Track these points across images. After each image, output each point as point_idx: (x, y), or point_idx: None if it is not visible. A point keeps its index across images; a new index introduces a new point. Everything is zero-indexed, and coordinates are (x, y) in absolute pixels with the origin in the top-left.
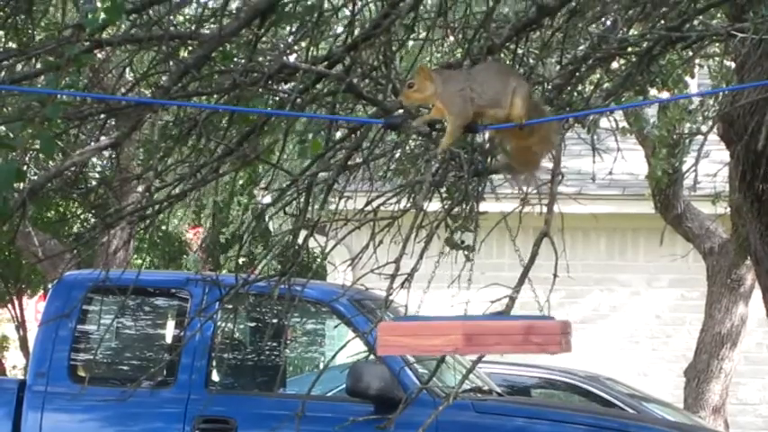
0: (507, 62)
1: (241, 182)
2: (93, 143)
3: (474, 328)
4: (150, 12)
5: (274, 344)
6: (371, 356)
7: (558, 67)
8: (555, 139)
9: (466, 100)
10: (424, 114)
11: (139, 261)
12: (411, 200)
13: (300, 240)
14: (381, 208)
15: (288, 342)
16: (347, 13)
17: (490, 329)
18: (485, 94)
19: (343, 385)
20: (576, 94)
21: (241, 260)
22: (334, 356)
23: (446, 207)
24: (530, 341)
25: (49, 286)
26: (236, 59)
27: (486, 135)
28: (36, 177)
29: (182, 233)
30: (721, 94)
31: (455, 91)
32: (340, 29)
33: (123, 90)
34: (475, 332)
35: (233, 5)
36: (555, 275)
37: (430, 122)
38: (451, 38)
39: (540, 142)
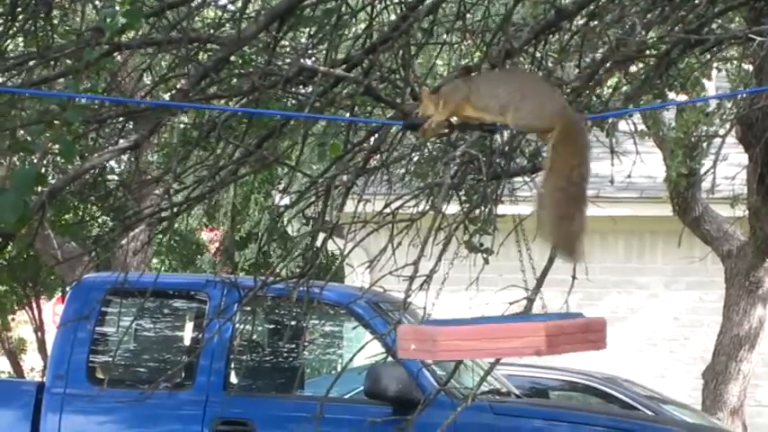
0: (526, 66)
1: (257, 183)
2: (111, 146)
3: (554, 329)
4: (169, 15)
5: (292, 346)
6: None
7: (577, 70)
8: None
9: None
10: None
11: (157, 263)
12: (430, 202)
13: (319, 243)
14: (400, 210)
15: (306, 344)
16: (365, 16)
17: (565, 329)
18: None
19: (362, 387)
20: (594, 97)
21: (257, 261)
22: (352, 358)
23: (465, 210)
24: (587, 339)
25: (68, 289)
26: (254, 63)
27: (506, 137)
28: (55, 180)
29: (199, 235)
30: (740, 97)
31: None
32: (359, 32)
33: (142, 93)
34: (554, 333)
35: (252, 8)
36: (573, 278)
37: (449, 124)
38: (470, 41)
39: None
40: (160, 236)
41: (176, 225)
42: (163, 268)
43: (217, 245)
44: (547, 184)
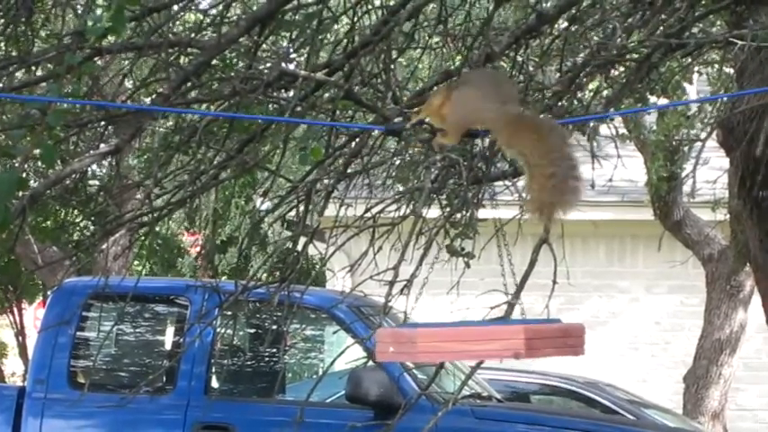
0: (505, 70)
1: (238, 187)
2: (92, 151)
3: (533, 333)
4: (150, 20)
5: (273, 350)
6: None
7: (558, 74)
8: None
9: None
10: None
11: (139, 268)
12: (410, 206)
13: (300, 247)
14: (381, 215)
15: (287, 348)
16: (347, 20)
17: (544, 333)
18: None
19: (343, 391)
20: (575, 101)
21: (237, 265)
22: (333, 362)
23: (445, 214)
24: (566, 344)
25: (49, 293)
26: (235, 67)
27: (487, 141)
28: (36, 185)
29: (180, 240)
30: (720, 100)
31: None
32: (340, 36)
33: (123, 97)
34: (533, 336)
35: (233, 13)
36: (554, 282)
37: (431, 128)
38: (451, 45)
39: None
40: (141, 240)
41: (158, 229)
42: (144, 272)
43: (198, 249)
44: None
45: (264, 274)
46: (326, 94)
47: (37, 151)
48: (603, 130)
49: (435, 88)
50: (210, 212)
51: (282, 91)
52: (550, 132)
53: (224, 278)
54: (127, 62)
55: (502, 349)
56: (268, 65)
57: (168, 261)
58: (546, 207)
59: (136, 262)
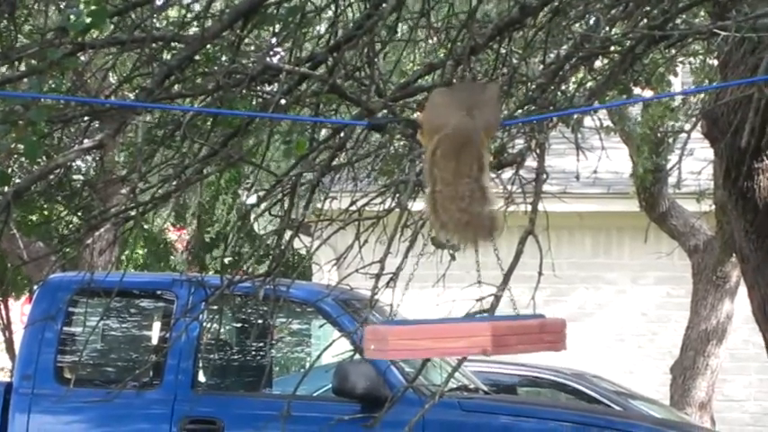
0: (488, 64)
1: (223, 181)
2: (77, 146)
3: (501, 329)
4: (133, 14)
5: (260, 344)
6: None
7: (542, 66)
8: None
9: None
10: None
11: (127, 260)
12: (396, 200)
13: (285, 241)
14: (366, 208)
15: (274, 342)
16: (330, 14)
17: (515, 329)
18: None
19: (330, 385)
20: (559, 93)
21: (227, 260)
22: (319, 356)
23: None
24: (543, 340)
25: (35, 288)
26: (219, 61)
27: None
28: (20, 180)
29: (166, 234)
30: (705, 92)
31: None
32: (323, 30)
33: (107, 93)
34: (502, 333)
35: (216, 7)
36: (540, 274)
37: (413, 125)
38: (434, 38)
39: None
40: (127, 235)
41: (144, 223)
42: (130, 267)
43: (184, 244)
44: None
45: (251, 268)
46: (310, 88)
47: (20, 147)
48: (588, 121)
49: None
50: (196, 208)
51: (266, 85)
52: (475, 160)
53: (210, 272)
54: (110, 57)
55: (470, 347)
56: (252, 59)
57: (155, 256)
58: (450, 230)
59: (123, 257)
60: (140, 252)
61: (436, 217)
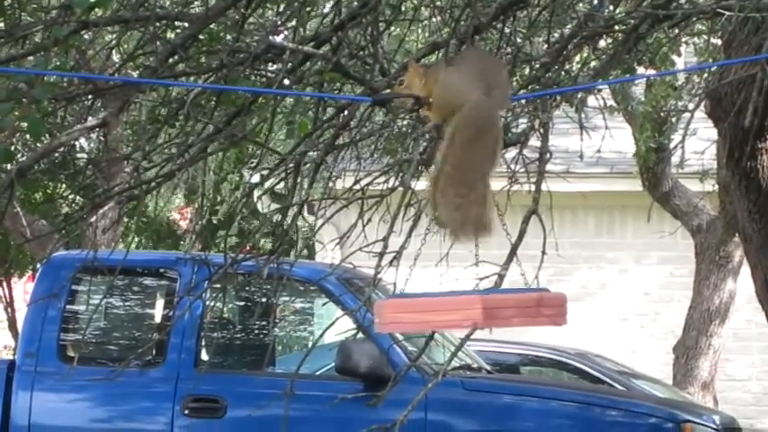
0: (492, 43)
1: (231, 164)
2: (80, 124)
3: (493, 302)
4: None
5: (263, 323)
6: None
7: (545, 45)
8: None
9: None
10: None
11: (128, 241)
12: (399, 178)
13: (289, 219)
14: (369, 187)
15: (276, 321)
16: None
17: (507, 302)
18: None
19: (332, 363)
20: (563, 72)
21: (232, 239)
22: (322, 335)
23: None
24: (541, 313)
25: (38, 267)
26: (223, 40)
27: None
28: (24, 158)
29: (170, 214)
30: (708, 71)
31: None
32: (327, 9)
33: (111, 71)
34: (494, 305)
35: None
36: (543, 253)
37: (418, 100)
38: (438, 17)
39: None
40: (131, 213)
41: (148, 203)
42: (133, 245)
43: (187, 222)
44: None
45: (255, 246)
46: (314, 67)
47: (24, 124)
48: (591, 101)
49: (409, 67)
50: (201, 187)
51: (270, 64)
52: (491, 152)
53: (215, 251)
54: (114, 35)
55: (461, 319)
56: (255, 38)
57: (158, 235)
58: (442, 215)
59: (128, 237)
60: (142, 237)
61: (433, 198)
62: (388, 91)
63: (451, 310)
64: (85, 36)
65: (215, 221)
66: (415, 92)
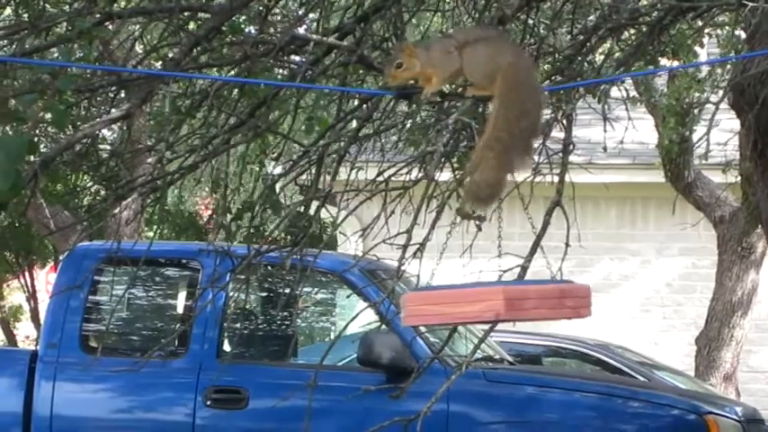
0: (516, 33)
1: (253, 155)
2: (104, 116)
3: (515, 293)
4: None
5: (286, 314)
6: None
7: (569, 37)
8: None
9: (448, 52)
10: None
11: (151, 233)
12: (422, 170)
13: (312, 211)
14: (392, 178)
15: (299, 312)
16: None
17: (529, 294)
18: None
19: (355, 355)
20: (586, 64)
21: (252, 230)
22: (346, 326)
23: (457, 177)
24: (564, 305)
25: (61, 258)
26: (246, 31)
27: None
28: (47, 150)
29: (193, 205)
30: (731, 63)
31: (437, 50)
32: (351, 0)
33: (134, 62)
34: (516, 297)
35: None
36: (567, 245)
37: (441, 92)
38: (462, 8)
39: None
40: (153, 205)
41: (171, 194)
42: (156, 237)
43: (209, 213)
44: (487, 133)
45: (278, 238)
46: (338, 59)
47: (48, 116)
48: (614, 92)
49: (404, 49)
50: (224, 177)
51: (293, 55)
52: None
53: (236, 242)
54: (137, 27)
55: (484, 311)
56: (279, 29)
57: (180, 227)
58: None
59: (147, 228)
60: (164, 228)
61: (480, 159)
62: (411, 83)
63: (474, 302)
64: (109, 27)
65: (235, 210)
66: (415, 71)
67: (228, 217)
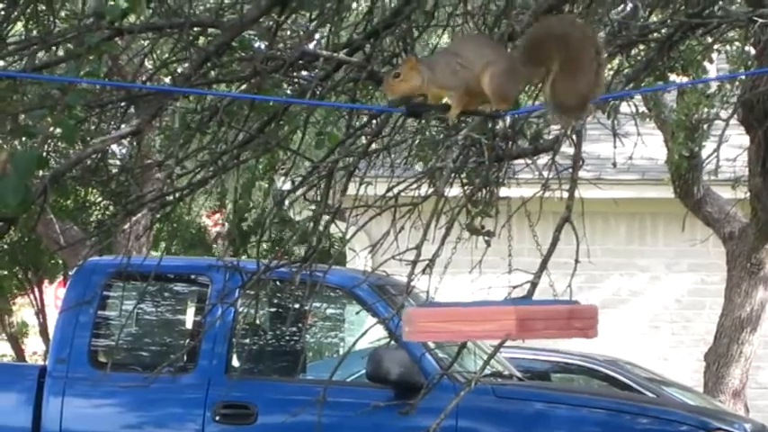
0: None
1: (261, 167)
2: (113, 131)
3: (526, 313)
4: (170, 0)
5: (295, 329)
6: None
7: None
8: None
9: (455, 71)
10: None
11: (160, 248)
12: (432, 186)
13: (322, 226)
14: (402, 194)
15: (308, 328)
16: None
17: (539, 314)
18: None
19: (364, 371)
20: None
21: (263, 246)
22: (355, 342)
23: (467, 193)
24: (572, 326)
25: (70, 273)
26: (256, 47)
27: (508, 121)
28: (57, 165)
29: (201, 220)
30: (741, 79)
31: (444, 68)
32: (360, 16)
33: (143, 78)
34: (527, 317)
35: None
36: (576, 261)
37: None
38: (472, 24)
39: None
40: (163, 220)
41: (180, 210)
42: (165, 252)
43: (217, 230)
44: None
45: (288, 253)
46: (348, 75)
47: (57, 131)
48: (624, 108)
49: (406, 61)
50: (233, 194)
51: (303, 71)
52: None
53: (245, 258)
54: (147, 43)
55: (495, 330)
56: (289, 45)
57: (189, 242)
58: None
59: (160, 243)
60: (173, 244)
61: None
62: (421, 99)
63: (486, 321)
64: (119, 43)
65: (245, 228)
66: (414, 83)
67: (238, 232)
